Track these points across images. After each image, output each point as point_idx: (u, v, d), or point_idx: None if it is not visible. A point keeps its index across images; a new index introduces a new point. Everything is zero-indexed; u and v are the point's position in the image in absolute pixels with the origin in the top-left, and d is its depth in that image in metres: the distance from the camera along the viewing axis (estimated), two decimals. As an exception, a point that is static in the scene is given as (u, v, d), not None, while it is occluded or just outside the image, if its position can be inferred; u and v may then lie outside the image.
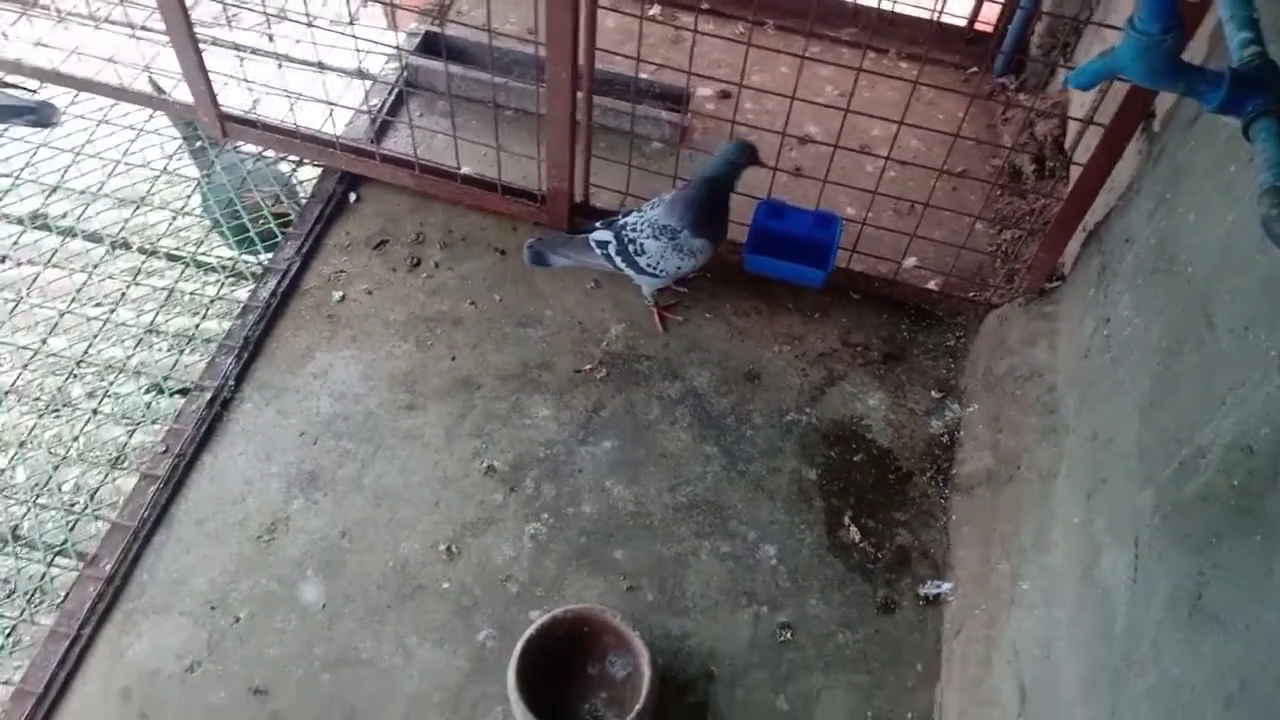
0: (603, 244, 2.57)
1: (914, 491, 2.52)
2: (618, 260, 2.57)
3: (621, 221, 2.56)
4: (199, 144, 3.05)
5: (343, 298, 2.75)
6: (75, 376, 2.63)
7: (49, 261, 2.83)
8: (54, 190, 2.96)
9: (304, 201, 2.95)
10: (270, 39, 3.26)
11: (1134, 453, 1.88)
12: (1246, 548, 1.40)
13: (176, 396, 2.60)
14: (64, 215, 2.96)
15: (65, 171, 2.99)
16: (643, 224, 2.52)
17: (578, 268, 2.74)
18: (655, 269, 2.56)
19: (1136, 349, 2.03)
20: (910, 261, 2.83)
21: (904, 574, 2.39)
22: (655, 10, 3.56)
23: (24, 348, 2.65)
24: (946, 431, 2.62)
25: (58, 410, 2.59)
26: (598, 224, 2.63)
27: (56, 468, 2.48)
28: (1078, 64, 3.08)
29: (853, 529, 2.44)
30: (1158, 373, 1.89)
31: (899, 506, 2.49)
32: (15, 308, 2.73)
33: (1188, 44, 2.10)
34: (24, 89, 3.08)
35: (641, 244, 2.52)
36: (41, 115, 2.96)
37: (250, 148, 3.04)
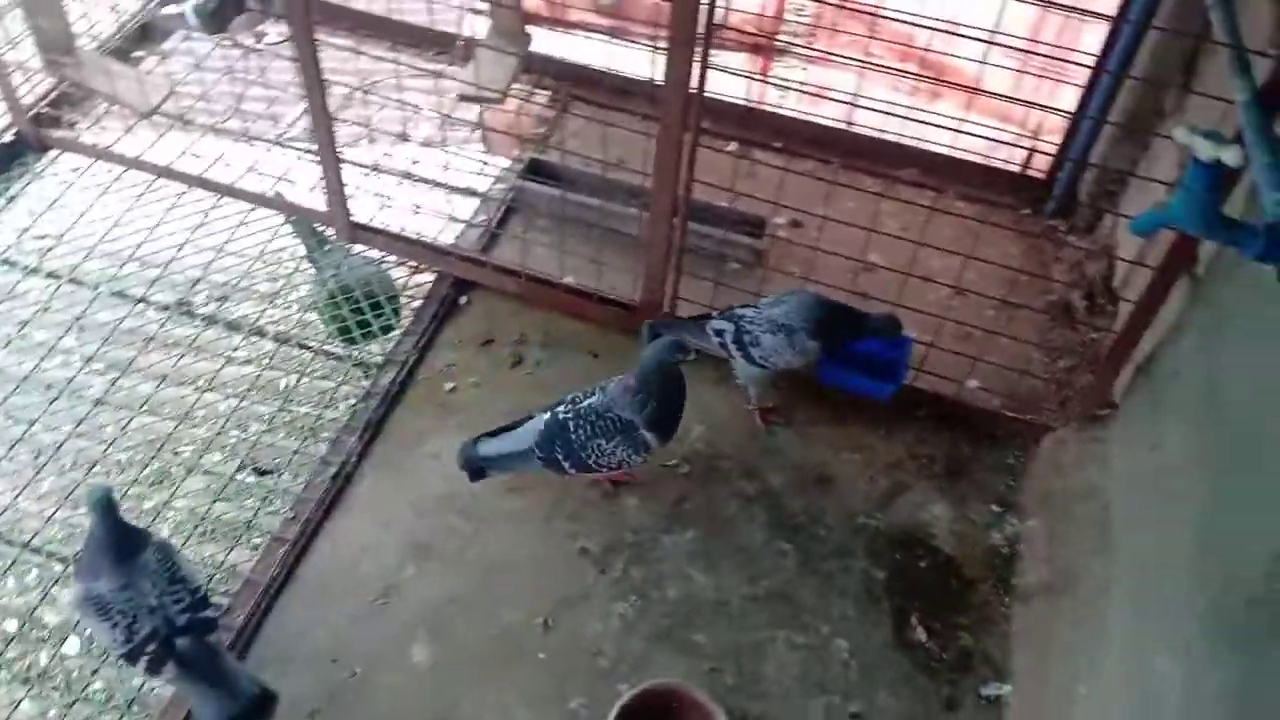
0: (719, 332, 2.85)
1: (976, 598, 2.68)
2: (732, 348, 2.84)
3: (740, 312, 2.85)
4: (325, 247, 3.38)
5: (453, 389, 3.02)
6: (203, 456, 2.92)
7: (191, 345, 3.15)
8: (197, 282, 3.31)
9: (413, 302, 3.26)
10: (394, 158, 3.65)
11: (1184, 568, 2.02)
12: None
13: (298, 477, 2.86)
14: (205, 304, 3.29)
15: (208, 266, 3.35)
16: (761, 319, 2.80)
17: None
18: (765, 361, 2.82)
19: (1187, 475, 2.18)
20: (973, 383, 3.06)
21: (967, 674, 2.53)
22: (732, 146, 3.92)
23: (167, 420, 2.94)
24: (1007, 543, 2.79)
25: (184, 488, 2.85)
26: (715, 313, 2.92)
27: (188, 537, 2.74)
28: (1123, 210, 3.35)
29: (919, 629, 2.60)
30: (1207, 496, 2.05)
31: (962, 610, 2.65)
32: (160, 386, 3.03)
33: (1226, 199, 2.35)
34: None
35: (758, 336, 2.79)
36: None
37: (373, 253, 3.38)
